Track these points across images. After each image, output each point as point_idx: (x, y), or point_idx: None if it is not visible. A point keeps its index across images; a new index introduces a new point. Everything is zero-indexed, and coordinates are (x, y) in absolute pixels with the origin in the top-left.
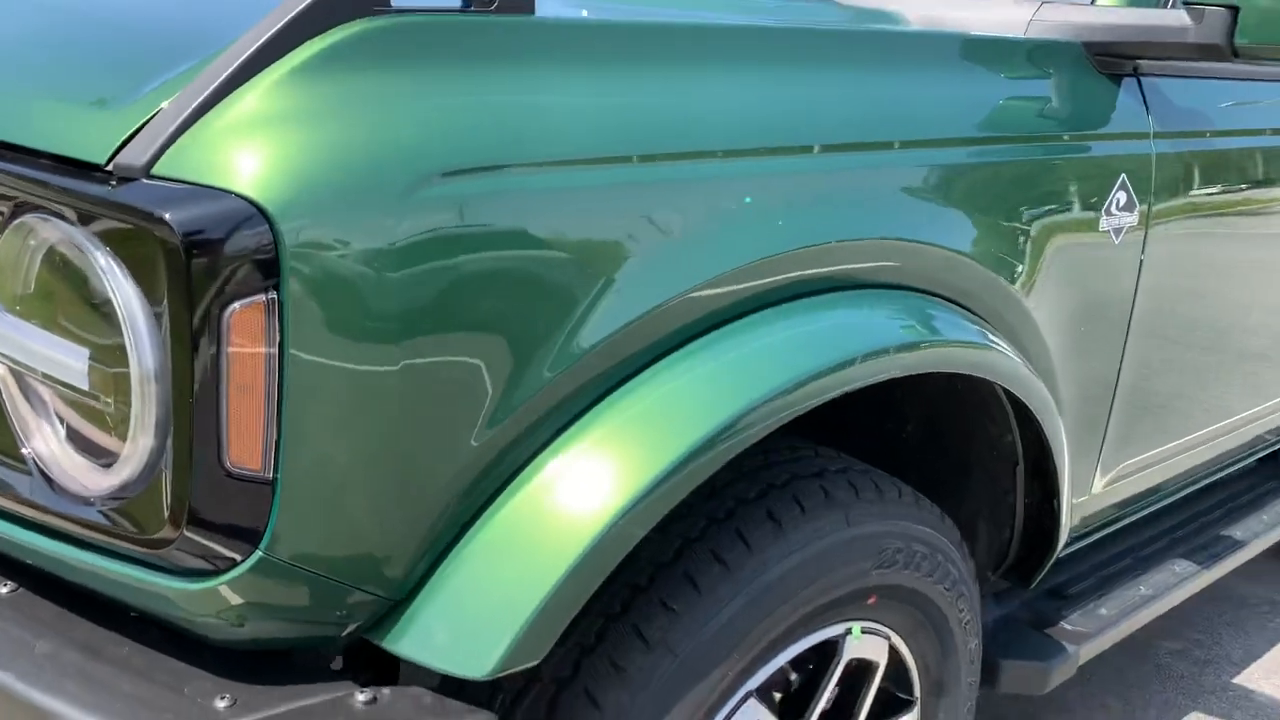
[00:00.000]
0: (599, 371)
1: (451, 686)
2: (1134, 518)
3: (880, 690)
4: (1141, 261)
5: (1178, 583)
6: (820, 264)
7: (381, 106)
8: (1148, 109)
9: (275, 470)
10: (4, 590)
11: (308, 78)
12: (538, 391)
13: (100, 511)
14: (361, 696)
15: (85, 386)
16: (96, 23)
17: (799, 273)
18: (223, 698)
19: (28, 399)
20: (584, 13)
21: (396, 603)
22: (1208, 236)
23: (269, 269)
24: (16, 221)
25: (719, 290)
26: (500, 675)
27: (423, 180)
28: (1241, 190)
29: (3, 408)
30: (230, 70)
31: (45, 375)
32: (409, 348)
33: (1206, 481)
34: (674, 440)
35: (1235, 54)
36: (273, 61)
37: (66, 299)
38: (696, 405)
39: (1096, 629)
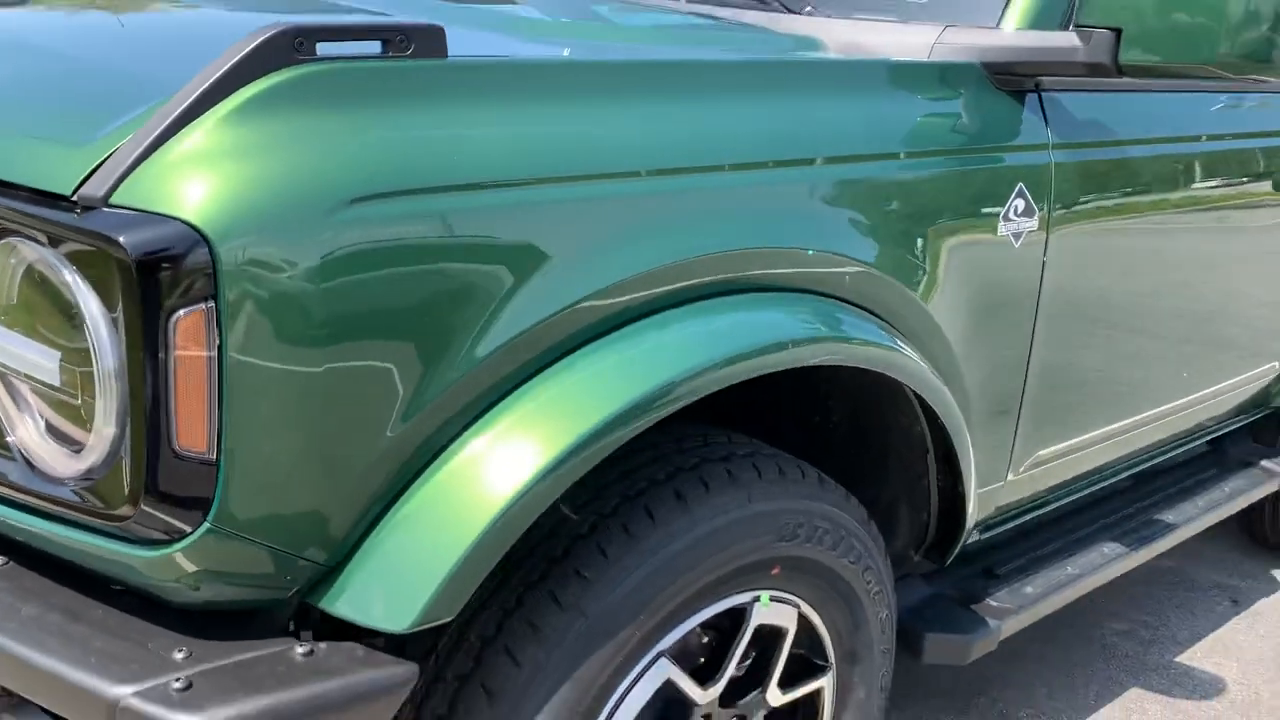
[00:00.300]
0: (508, 369)
1: (394, 646)
2: (1061, 503)
3: (796, 656)
4: (1044, 263)
5: (1105, 563)
6: (729, 269)
7: (304, 142)
8: (1047, 122)
9: (218, 453)
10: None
11: (242, 118)
12: (446, 390)
13: (73, 491)
14: (300, 650)
15: (57, 384)
16: (65, 71)
17: (709, 276)
18: (180, 650)
19: (12, 396)
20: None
21: (331, 569)
22: (1111, 239)
23: (207, 283)
24: (1, 243)
25: (618, 298)
26: (418, 629)
27: (337, 205)
28: (1144, 194)
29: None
30: (176, 113)
31: (25, 375)
32: (329, 351)
33: (1141, 468)
34: (573, 425)
35: (1120, 72)
36: (212, 105)
37: (42, 309)
38: (596, 394)
39: (1019, 605)
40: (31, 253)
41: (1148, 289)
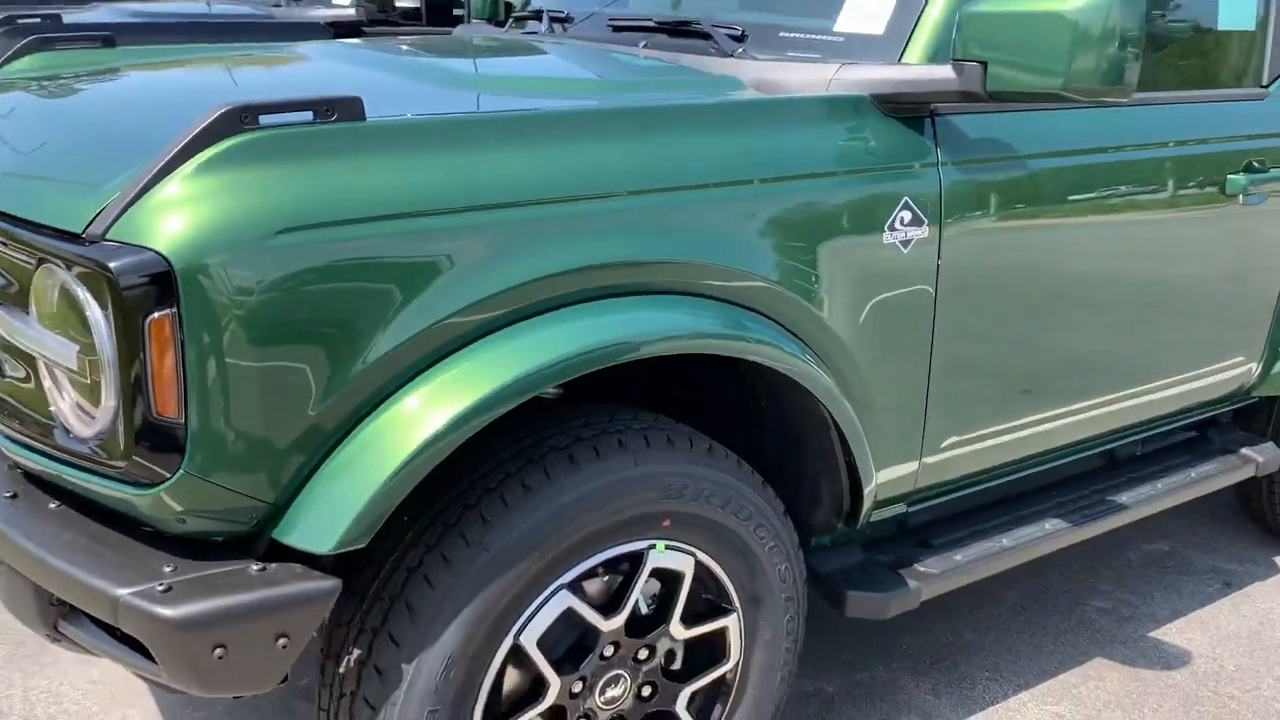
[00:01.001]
0: (412, 359)
1: (339, 571)
2: (1007, 480)
3: (705, 600)
4: (938, 267)
5: (1043, 538)
6: (641, 275)
7: (245, 189)
8: (937, 142)
9: (185, 419)
10: (52, 506)
11: (199, 175)
12: (356, 377)
13: (90, 449)
14: (255, 567)
15: (76, 369)
16: (81, 135)
17: (620, 280)
18: (169, 566)
19: (54, 380)
20: (407, 114)
21: (279, 509)
22: (1006, 243)
23: (170, 295)
24: (41, 268)
25: (505, 305)
26: (339, 551)
27: (267, 235)
28: (1035, 203)
29: (42, 386)
30: (152, 173)
31: (58, 363)
32: (262, 347)
33: (1111, 449)
34: (455, 403)
35: (989, 97)
36: (178, 165)
37: (68, 315)
38: (486, 374)
39: (944, 570)
40: (59, 275)
41: (1046, 289)
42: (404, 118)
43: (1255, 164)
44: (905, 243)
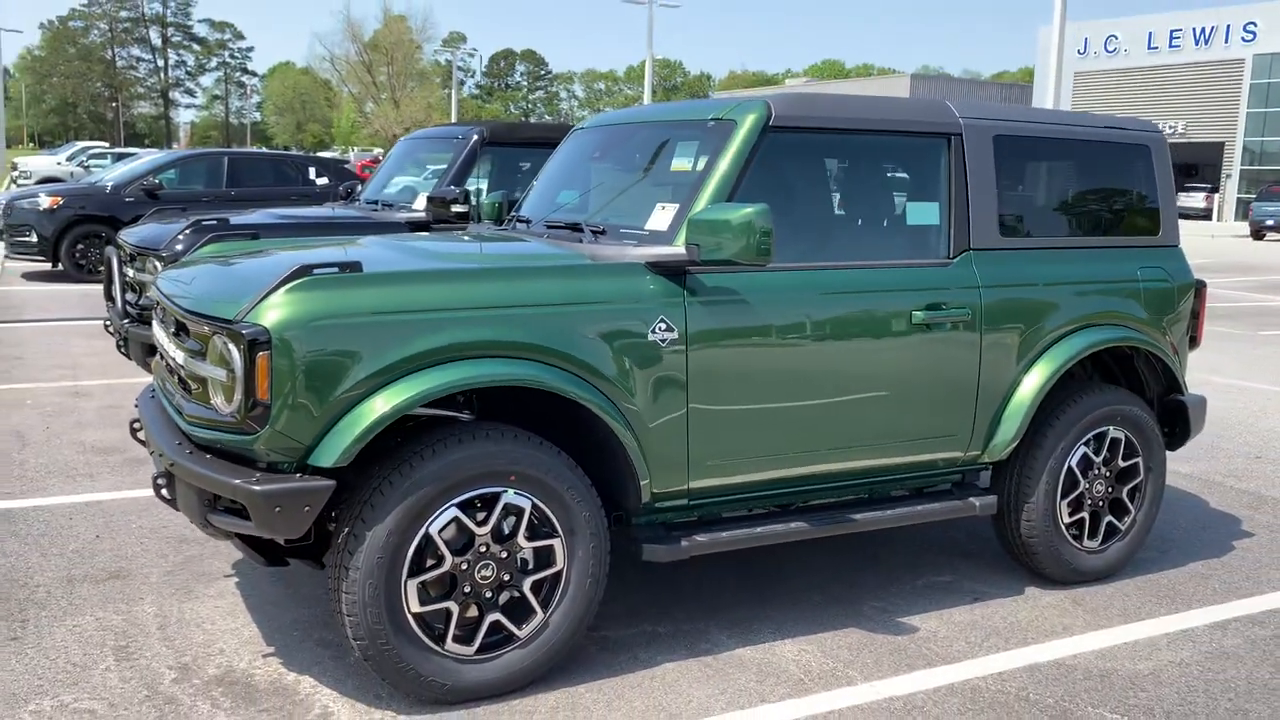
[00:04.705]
0: (375, 384)
1: (342, 485)
2: (766, 494)
3: (539, 527)
4: (687, 356)
5: (786, 531)
6: (506, 349)
7: (302, 301)
8: (684, 287)
9: (271, 402)
10: (206, 456)
11: (283, 295)
12: (346, 390)
13: (228, 418)
14: (297, 475)
15: (224, 381)
16: (233, 280)
17: (486, 351)
18: (256, 474)
19: (212, 388)
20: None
21: (310, 449)
22: (732, 347)
23: (268, 345)
24: (213, 336)
25: (421, 359)
26: (337, 466)
27: (310, 321)
28: (753, 323)
29: (207, 391)
30: (263, 293)
31: (215, 379)
32: (304, 372)
33: (841, 487)
34: (387, 405)
35: (704, 264)
36: (274, 291)
37: (220, 357)
38: (404, 391)
39: (709, 539)
40: (220, 339)
41: (762, 374)
42: (375, 272)
43: (936, 304)
44: (663, 342)
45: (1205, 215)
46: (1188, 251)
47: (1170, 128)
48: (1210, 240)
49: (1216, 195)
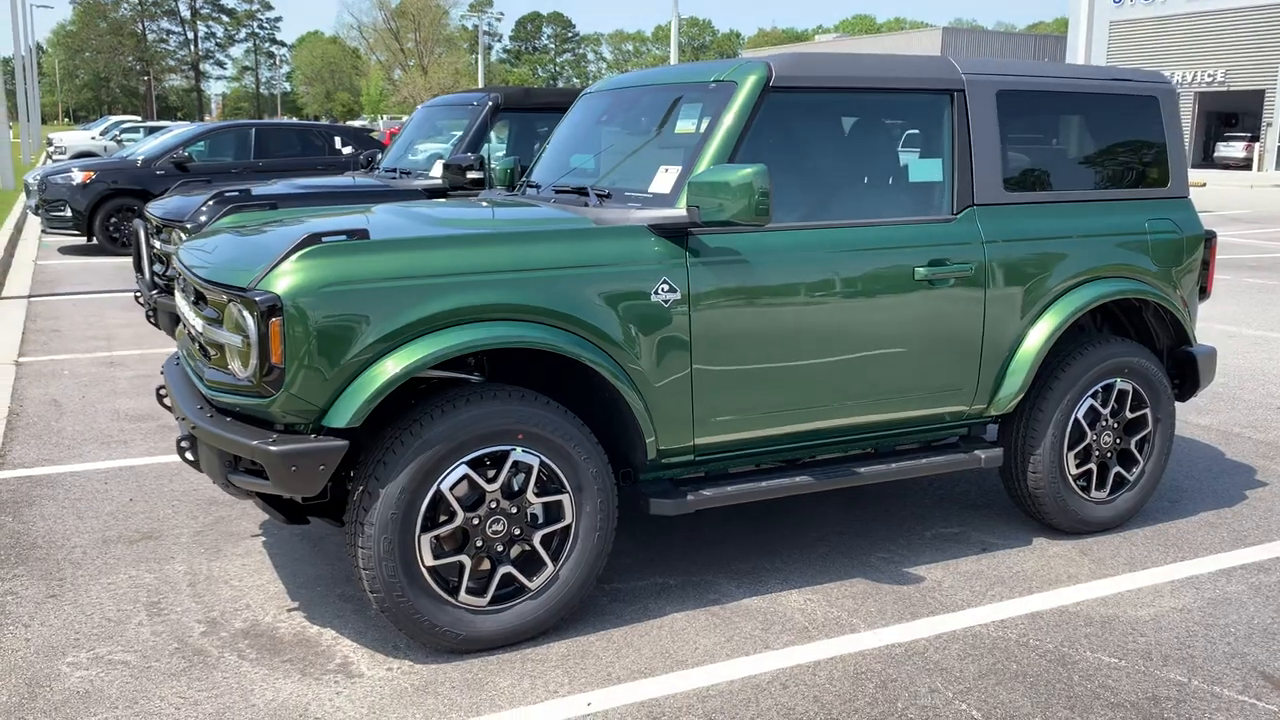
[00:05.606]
0: (384, 348)
1: (355, 445)
2: (773, 449)
3: (548, 484)
4: (690, 317)
5: (792, 485)
6: (524, 313)
7: (312, 268)
8: (687, 249)
9: (285, 366)
10: (226, 419)
11: (293, 261)
12: (358, 352)
13: (245, 382)
14: (311, 435)
15: (240, 348)
16: (248, 249)
17: (493, 314)
18: (273, 435)
19: (230, 354)
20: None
21: (324, 410)
22: (734, 305)
23: (280, 311)
24: (229, 303)
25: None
26: (349, 427)
27: (319, 287)
28: (756, 283)
29: (225, 357)
30: (273, 262)
31: (232, 345)
32: (316, 336)
33: (847, 442)
34: (398, 367)
35: (704, 225)
36: (286, 258)
37: (236, 324)
38: (413, 354)
39: (714, 494)
40: (235, 306)
41: (765, 332)
42: (383, 239)
43: (939, 260)
44: (666, 303)
45: (1245, 165)
46: (1226, 201)
47: (1209, 76)
48: (1249, 190)
49: (1257, 144)
